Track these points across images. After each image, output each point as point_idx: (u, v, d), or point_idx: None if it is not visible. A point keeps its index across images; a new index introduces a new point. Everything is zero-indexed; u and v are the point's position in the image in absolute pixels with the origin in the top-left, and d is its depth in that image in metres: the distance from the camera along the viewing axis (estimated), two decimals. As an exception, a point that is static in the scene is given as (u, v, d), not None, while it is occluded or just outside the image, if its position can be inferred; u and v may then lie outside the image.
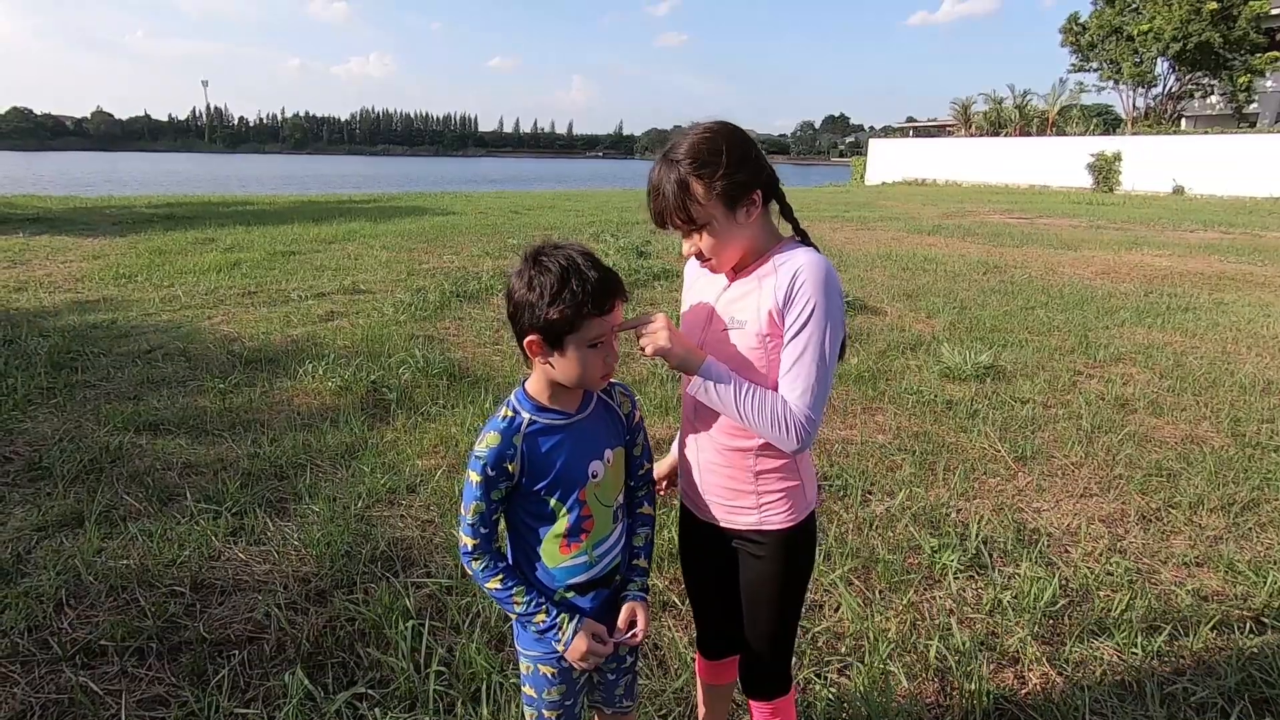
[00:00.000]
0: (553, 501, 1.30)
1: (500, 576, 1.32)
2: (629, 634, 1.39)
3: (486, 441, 1.26)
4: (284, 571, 2.65)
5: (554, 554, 1.33)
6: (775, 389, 1.30)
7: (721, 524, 1.47)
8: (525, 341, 1.24)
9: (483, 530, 1.30)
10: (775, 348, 1.30)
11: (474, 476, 1.27)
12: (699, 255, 1.33)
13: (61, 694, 2.05)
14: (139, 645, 2.24)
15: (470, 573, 1.34)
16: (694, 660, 1.80)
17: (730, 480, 1.42)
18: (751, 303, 1.31)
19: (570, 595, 1.36)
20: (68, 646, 2.23)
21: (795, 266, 1.27)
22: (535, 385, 1.31)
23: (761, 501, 1.41)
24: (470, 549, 1.31)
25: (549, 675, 1.39)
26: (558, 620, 1.32)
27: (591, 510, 1.33)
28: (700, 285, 1.46)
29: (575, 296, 1.18)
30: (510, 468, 1.26)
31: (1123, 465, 3.70)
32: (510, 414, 1.29)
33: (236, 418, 4.02)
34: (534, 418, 1.29)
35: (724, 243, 1.30)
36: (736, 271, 1.37)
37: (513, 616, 1.36)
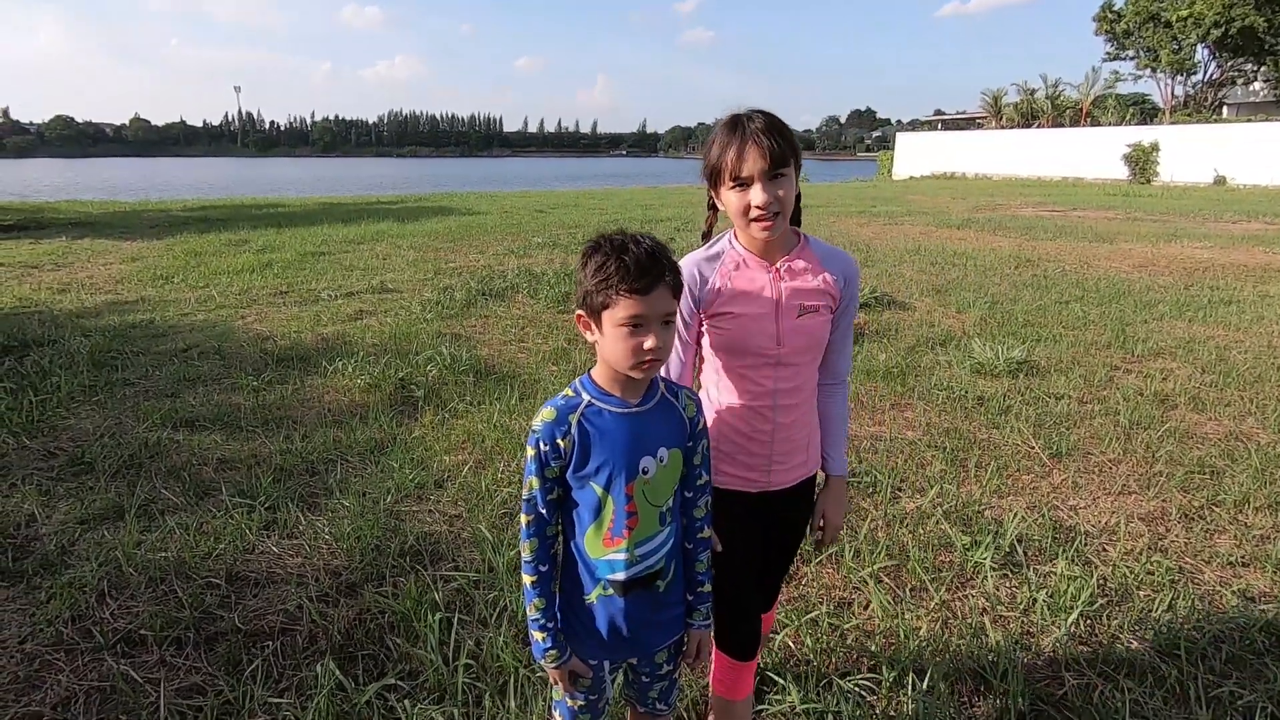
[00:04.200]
0: (599, 489, 1.29)
1: (535, 579, 1.32)
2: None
3: (542, 416, 1.28)
4: (315, 565, 2.69)
5: (595, 545, 1.32)
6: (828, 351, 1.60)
7: (783, 486, 1.61)
8: (576, 315, 1.30)
9: (540, 510, 1.31)
10: (831, 320, 1.56)
11: (529, 450, 1.30)
12: (766, 207, 1.40)
13: (104, 681, 2.11)
14: (177, 635, 2.30)
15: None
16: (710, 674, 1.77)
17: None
18: (819, 291, 1.53)
19: (609, 593, 1.33)
20: (109, 635, 2.29)
21: (849, 262, 1.57)
22: (600, 371, 1.32)
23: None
24: (524, 525, 1.32)
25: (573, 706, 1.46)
26: (548, 651, 1.35)
27: (638, 507, 1.31)
28: (741, 284, 1.53)
29: (607, 271, 1.22)
30: (562, 444, 1.27)
31: (1163, 462, 3.59)
32: (571, 394, 1.31)
33: (269, 414, 4.09)
34: (593, 400, 1.30)
35: (790, 198, 1.43)
36: (771, 263, 1.52)
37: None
